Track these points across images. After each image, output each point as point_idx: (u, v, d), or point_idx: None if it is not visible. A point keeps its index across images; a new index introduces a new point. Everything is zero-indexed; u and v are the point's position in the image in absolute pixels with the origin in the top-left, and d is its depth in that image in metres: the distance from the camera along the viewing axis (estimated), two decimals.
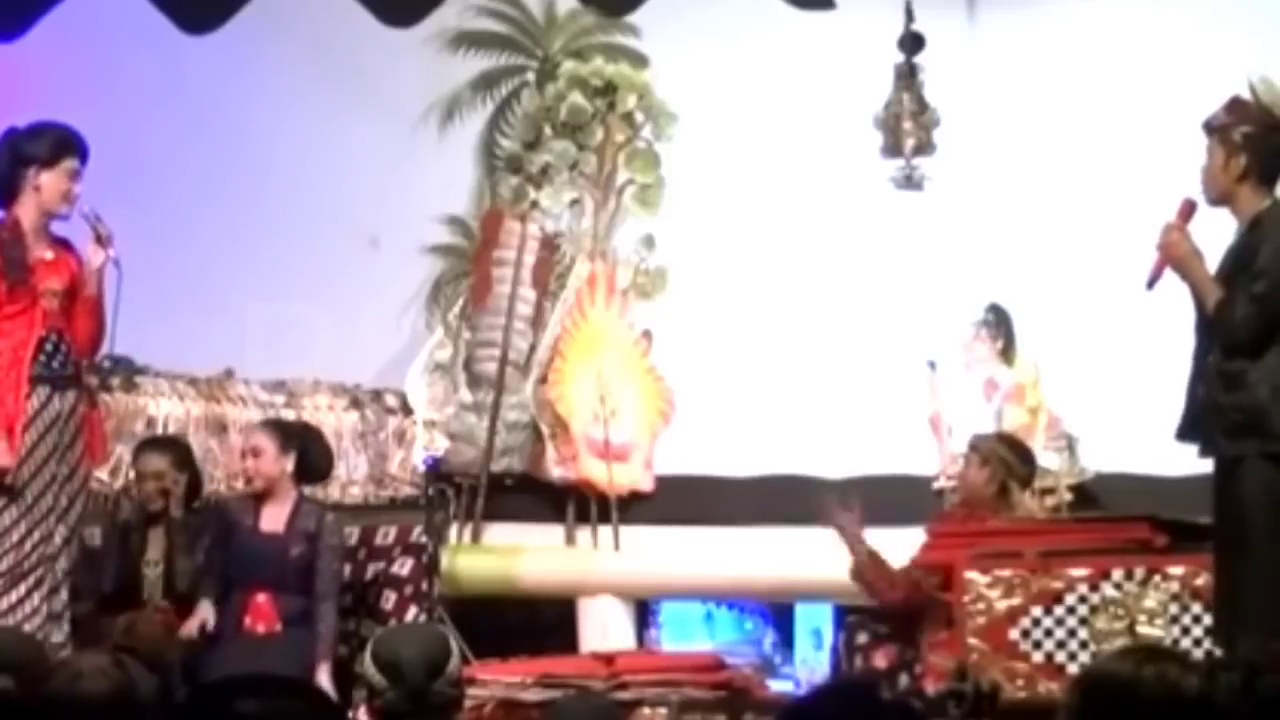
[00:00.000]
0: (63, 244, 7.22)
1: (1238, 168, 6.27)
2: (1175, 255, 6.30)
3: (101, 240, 7.15)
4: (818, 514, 7.71)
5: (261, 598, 7.65)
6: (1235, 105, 6.32)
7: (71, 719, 3.77)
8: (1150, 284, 6.43)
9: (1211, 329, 6.27)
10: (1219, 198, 6.35)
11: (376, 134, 9.74)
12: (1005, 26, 9.45)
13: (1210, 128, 6.35)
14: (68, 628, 7.12)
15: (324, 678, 7.44)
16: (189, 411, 9.04)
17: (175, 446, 8.18)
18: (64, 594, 7.15)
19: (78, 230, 7.24)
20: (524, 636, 8.41)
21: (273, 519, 7.78)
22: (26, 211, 7.11)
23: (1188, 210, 6.35)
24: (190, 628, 7.48)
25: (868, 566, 7.54)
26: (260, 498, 7.86)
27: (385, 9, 9.73)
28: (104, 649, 5.71)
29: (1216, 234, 6.41)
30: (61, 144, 7.13)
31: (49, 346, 7.11)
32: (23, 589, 7.04)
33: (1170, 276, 6.37)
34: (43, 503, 7.08)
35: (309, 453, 7.89)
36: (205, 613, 7.56)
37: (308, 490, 7.94)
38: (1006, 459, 7.70)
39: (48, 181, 7.09)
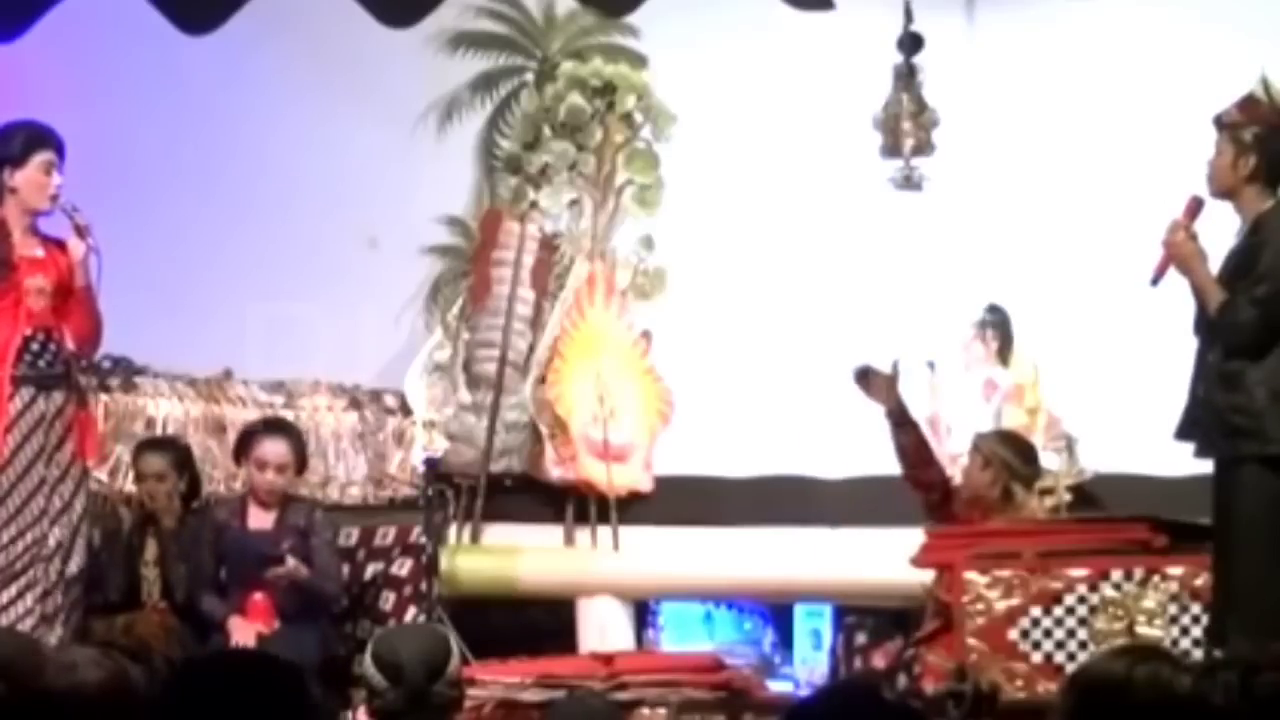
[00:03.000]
0: (55, 243, 7.21)
1: (1246, 167, 6.28)
2: (1180, 254, 6.30)
3: (80, 231, 7.14)
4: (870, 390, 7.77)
5: (258, 596, 7.66)
6: (1248, 104, 6.32)
7: (70, 710, 3.77)
8: (1155, 280, 6.43)
9: (1212, 330, 6.27)
10: (1224, 193, 6.35)
11: (375, 134, 9.72)
12: (1004, 27, 9.43)
13: (1220, 124, 6.34)
14: (61, 630, 7.10)
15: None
16: (188, 412, 9.04)
17: (175, 447, 8.21)
18: (59, 596, 7.12)
19: (64, 228, 7.23)
20: (523, 637, 8.40)
21: (260, 516, 7.80)
22: (10, 212, 7.11)
23: (1194, 208, 6.35)
24: None
25: (914, 439, 7.66)
26: (246, 497, 7.87)
27: (384, 9, 9.71)
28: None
29: (1220, 234, 6.42)
30: (31, 140, 7.13)
31: (35, 346, 7.08)
32: (14, 590, 7.02)
33: (1173, 274, 6.37)
34: (33, 505, 7.05)
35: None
36: (243, 633, 7.56)
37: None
38: (1009, 461, 7.70)
39: (23, 179, 7.08)
